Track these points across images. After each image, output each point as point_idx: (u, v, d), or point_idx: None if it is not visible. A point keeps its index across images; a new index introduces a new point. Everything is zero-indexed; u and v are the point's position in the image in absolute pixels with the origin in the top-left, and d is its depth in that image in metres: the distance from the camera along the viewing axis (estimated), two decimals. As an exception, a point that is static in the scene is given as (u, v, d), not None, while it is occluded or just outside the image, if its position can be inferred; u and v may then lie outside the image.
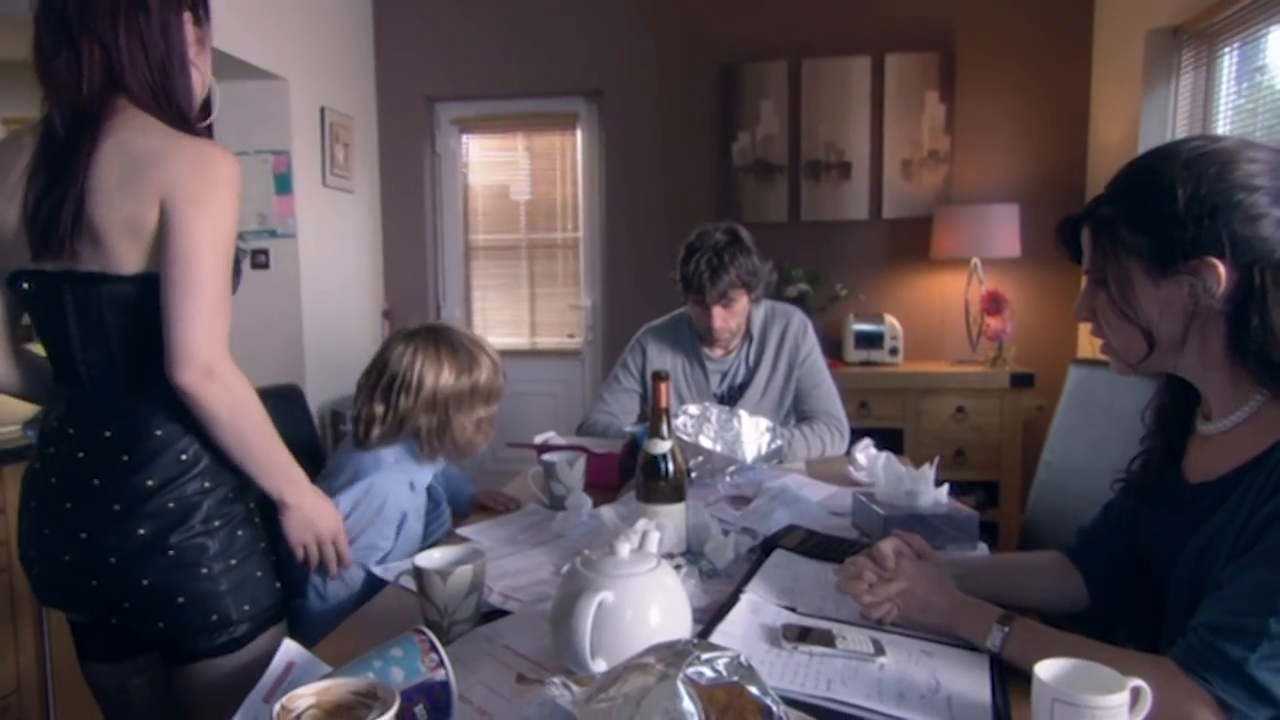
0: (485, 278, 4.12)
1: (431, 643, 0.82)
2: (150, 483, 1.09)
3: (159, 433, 1.11)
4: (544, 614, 0.92)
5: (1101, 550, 1.09)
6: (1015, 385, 3.15)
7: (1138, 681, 0.73)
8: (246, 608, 1.14)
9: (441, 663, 0.81)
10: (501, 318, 4.12)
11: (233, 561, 1.14)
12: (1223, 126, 2.72)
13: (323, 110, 3.46)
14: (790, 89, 3.60)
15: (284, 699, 0.68)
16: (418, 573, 1.00)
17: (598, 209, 3.91)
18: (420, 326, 1.47)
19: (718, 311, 1.92)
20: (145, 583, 1.09)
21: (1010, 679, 0.87)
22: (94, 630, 1.21)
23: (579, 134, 3.94)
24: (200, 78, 1.19)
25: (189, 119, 1.14)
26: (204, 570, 1.11)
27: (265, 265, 3.33)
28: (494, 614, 1.07)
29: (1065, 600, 1.10)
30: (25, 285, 1.11)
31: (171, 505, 1.10)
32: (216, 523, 1.13)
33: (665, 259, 2.06)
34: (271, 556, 1.21)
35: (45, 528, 1.13)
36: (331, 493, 1.31)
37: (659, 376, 1.25)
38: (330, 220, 3.57)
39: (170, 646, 1.15)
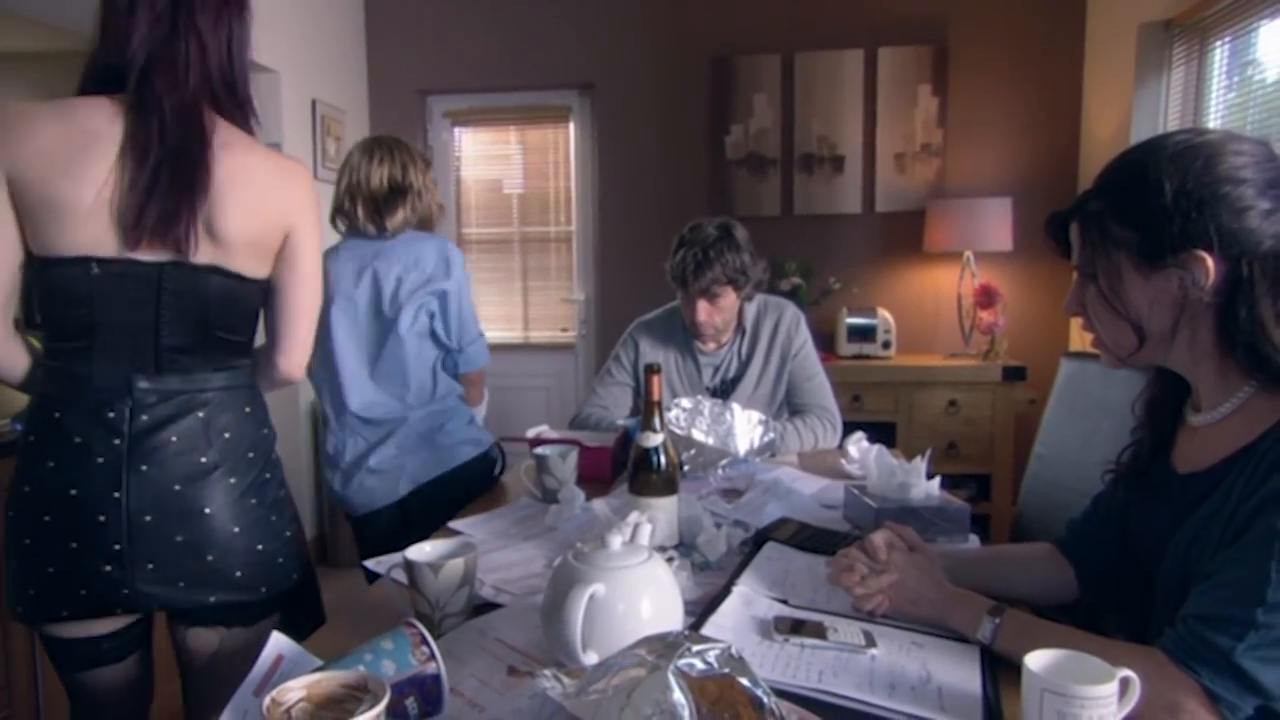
0: (478, 271, 4.10)
1: (423, 635, 0.82)
2: (252, 455, 1.22)
3: (248, 409, 1.24)
4: (536, 607, 0.92)
5: (1091, 542, 1.10)
6: (1007, 378, 3.16)
7: (1127, 672, 0.74)
8: (294, 576, 1.30)
9: (433, 655, 0.81)
10: (494, 311, 4.11)
11: (286, 533, 1.28)
12: (1214, 121, 2.72)
13: (314, 103, 3.44)
14: (783, 82, 3.60)
15: (274, 692, 0.68)
16: (409, 566, 1.00)
17: (590, 202, 3.91)
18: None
19: (701, 305, 1.92)
20: (260, 547, 1.21)
21: (1001, 670, 0.87)
22: (104, 636, 1.21)
23: (572, 127, 3.93)
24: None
25: (253, 116, 1.22)
26: (289, 534, 1.27)
27: (256, 259, 3.31)
28: (486, 607, 1.07)
29: (1055, 591, 1.11)
30: (95, 270, 1.11)
31: (269, 477, 1.25)
32: (270, 495, 1.26)
33: (659, 252, 2.06)
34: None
35: (147, 514, 1.13)
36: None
37: (651, 370, 1.25)
38: (322, 213, 3.55)
39: (212, 614, 1.22)
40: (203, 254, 1.14)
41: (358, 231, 1.81)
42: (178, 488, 1.14)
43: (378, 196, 1.78)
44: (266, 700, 0.67)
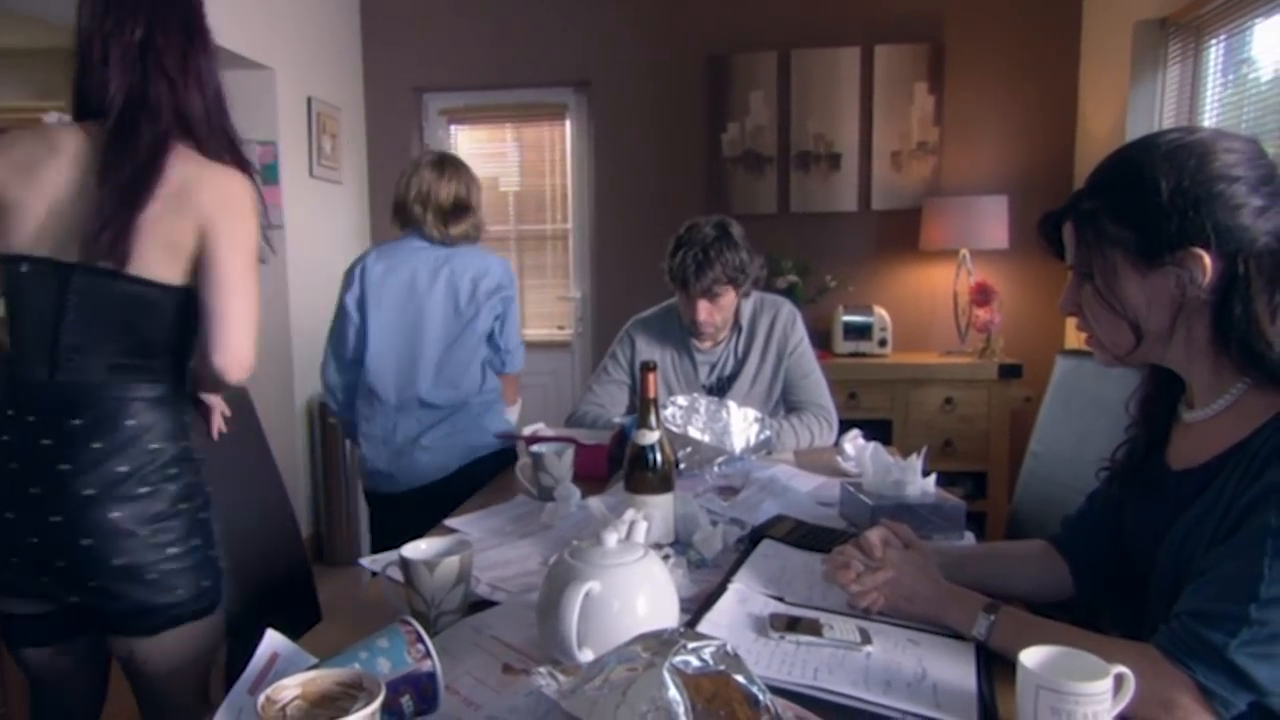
0: (474, 269, 4.10)
1: (418, 633, 0.82)
2: (122, 469, 1.17)
3: (130, 423, 1.19)
4: (532, 605, 0.92)
5: (1086, 538, 1.10)
6: (1003, 376, 3.17)
7: (1121, 668, 0.74)
8: (206, 584, 1.25)
9: (428, 653, 0.81)
10: (490, 309, 4.11)
11: (195, 543, 1.24)
12: (1209, 119, 2.73)
13: (309, 100, 3.44)
14: (780, 80, 3.59)
15: (269, 690, 0.68)
16: (404, 563, 1.00)
17: (587, 200, 3.90)
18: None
19: (702, 305, 1.92)
20: (117, 563, 1.17)
21: (996, 667, 0.87)
22: (33, 616, 1.25)
23: (568, 125, 3.92)
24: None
25: (241, 153, 1.29)
26: (171, 550, 1.21)
27: (252, 256, 3.31)
28: (482, 605, 1.06)
29: (1051, 588, 1.11)
30: (24, 268, 1.19)
31: (143, 491, 1.19)
32: (182, 506, 1.23)
33: (655, 250, 2.06)
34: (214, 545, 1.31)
35: (8, 511, 1.17)
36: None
37: (647, 367, 1.25)
38: (318, 211, 3.54)
39: (128, 620, 1.22)
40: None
41: (422, 235, 2.02)
42: (35, 490, 1.16)
43: (445, 208, 2.01)
44: (261, 698, 0.67)
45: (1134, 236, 0.89)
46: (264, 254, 1.30)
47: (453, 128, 4.04)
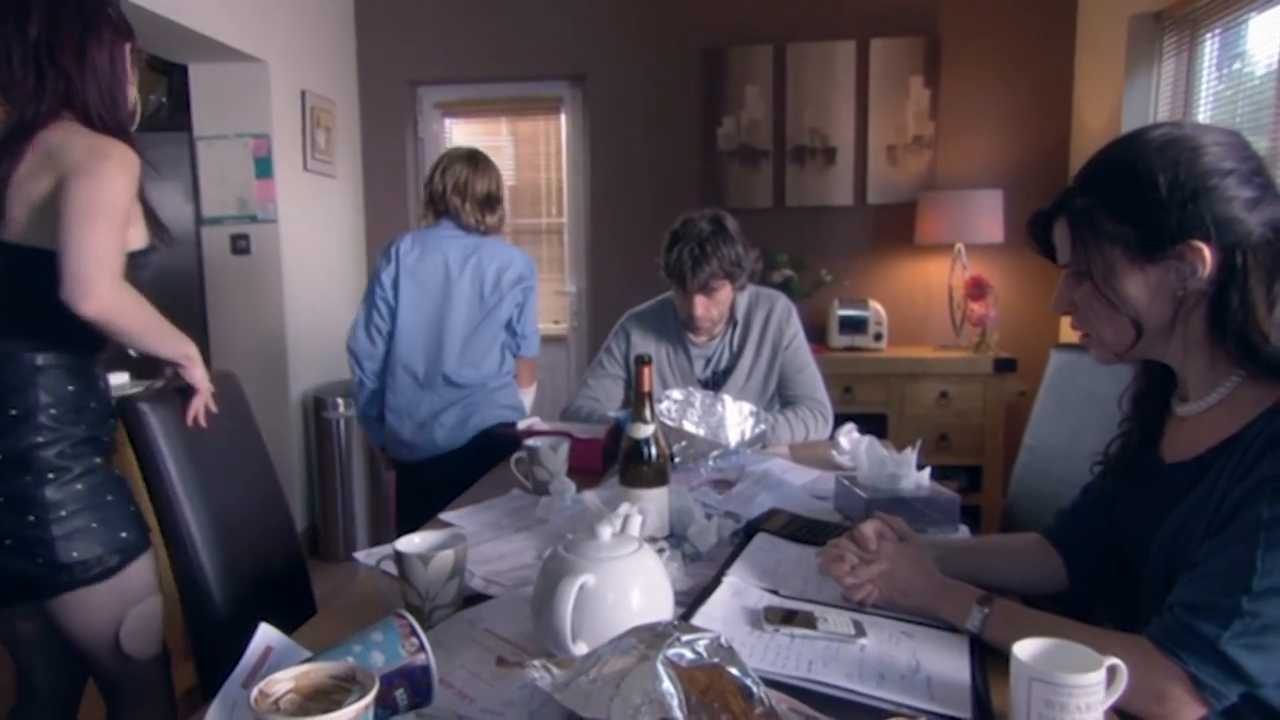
0: (469, 263, 4.09)
1: (412, 627, 0.82)
2: (45, 432, 1.26)
3: (55, 385, 1.28)
4: (526, 598, 0.92)
5: (1080, 531, 1.10)
6: (998, 370, 3.18)
7: (1114, 660, 0.74)
8: (75, 554, 1.28)
9: (422, 647, 0.80)
10: (486, 304, 4.10)
11: (62, 513, 1.28)
12: (1204, 113, 2.73)
13: (303, 94, 3.42)
14: (775, 73, 3.59)
15: (262, 684, 0.67)
16: (398, 557, 1.00)
17: (582, 194, 3.89)
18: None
19: (699, 300, 1.92)
20: (29, 518, 1.25)
21: (990, 659, 0.87)
22: None
23: (563, 118, 3.91)
24: (133, 94, 1.42)
25: (128, 130, 1.37)
26: (31, 518, 1.25)
27: (246, 251, 3.29)
28: (476, 598, 1.06)
29: (1044, 581, 1.11)
30: None
31: (1, 458, 1.25)
32: (50, 475, 1.27)
33: (651, 244, 2.05)
34: (123, 507, 1.36)
35: None
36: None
37: (642, 361, 1.25)
38: (312, 205, 3.53)
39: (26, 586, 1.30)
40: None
41: (459, 223, 2.17)
42: None
43: (480, 199, 2.17)
44: (254, 692, 0.66)
45: (1133, 232, 0.88)
46: (168, 237, 1.43)
47: (447, 121, 4.03)
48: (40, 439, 1.26)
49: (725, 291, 1.93)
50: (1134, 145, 0.90)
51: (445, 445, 2.17)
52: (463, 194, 2.16)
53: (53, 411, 1.28)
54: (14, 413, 1.25)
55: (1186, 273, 0.87)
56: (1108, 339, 0.95)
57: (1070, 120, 3.45)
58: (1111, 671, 0.74)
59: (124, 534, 1.34)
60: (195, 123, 3.25)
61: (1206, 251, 0.85)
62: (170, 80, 3.49)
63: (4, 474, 1.25)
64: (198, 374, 1.40)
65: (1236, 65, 2.60)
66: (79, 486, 1.29)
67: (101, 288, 1.21)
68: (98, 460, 1.33)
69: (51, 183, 1.25)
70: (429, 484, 2.07)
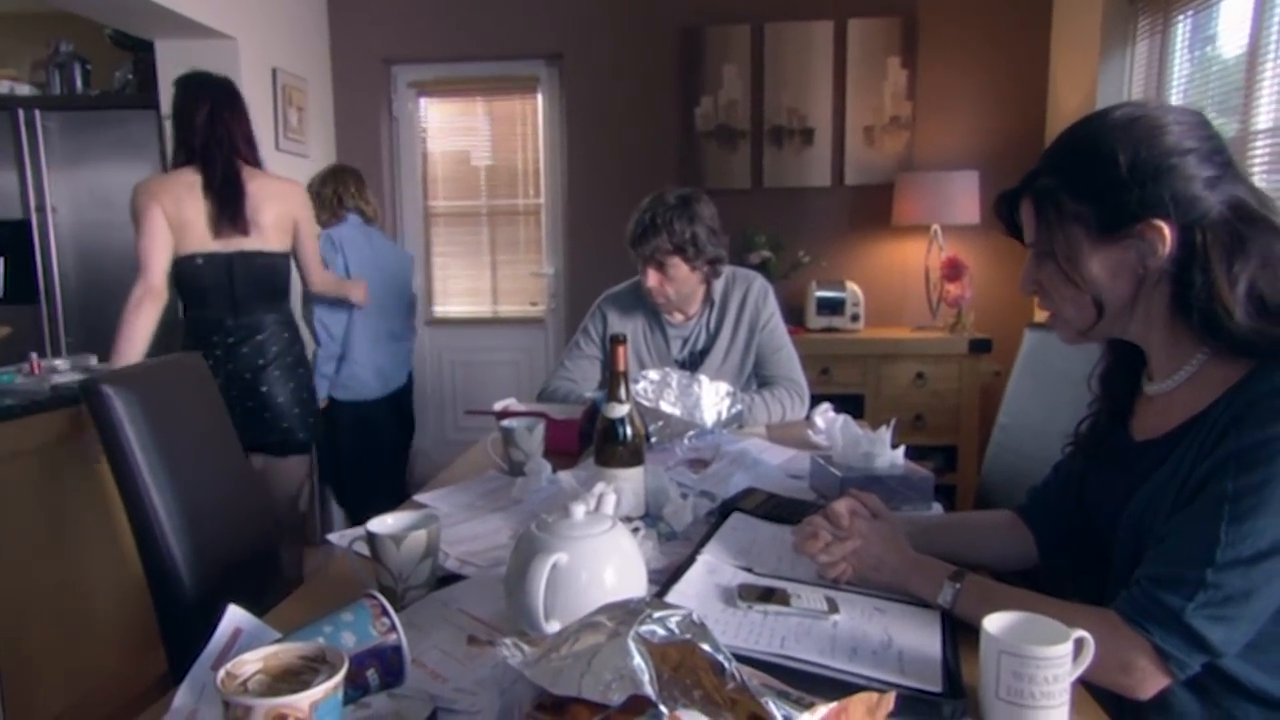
0: (445, 245, 4.05)
1: (383, 607, 0.81)
2: (290, 357, 2.29)
3: (286, 333, 2.30)
4: (500, 578, 0.91)
5: (1051, 508, 1.11)
6: (973, 351, 3.20)
7: (1081, 633, 0.75)
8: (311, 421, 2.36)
9: (393, 627, 0.80)
10: (462, 285, 4.07)
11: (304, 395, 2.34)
12: (1176, 94, 2.75)
13: (274, 72, 3.35)
14: (753, 53, 3.57)
15: (229, 665, 0.66)
16: (371, 538, 0.99)
17: (559, 175, 3.86)
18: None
19: (650, 272, 1.91)
20: (295, 410, 2.30)
21: (961, 634, 0.88)
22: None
23: (540, 98, 3.87)
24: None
25: (261, 160, 2.30)
26: (306, 395, 2.34)
27: (216, 232, 3.23)
28: (450, 579, 1.06)
29: (1016, 557, 1.13)
30: (200, 261, 2.15)
31: (290, 360, 2.28)
32: (301, 370, 2.34)
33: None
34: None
35: (233, 389, 2.17)
36: None
37: (616, 340, 1.24)
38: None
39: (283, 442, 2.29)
40: (252, 242, 2.19)
41: (365, 217, 2.94)
42: (247, 375, 2.20)
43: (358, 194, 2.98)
44: (221, 673, 0.65)
45: (1094, 211, 0.89)
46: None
47: (422, 100, 3.97)
48: (290, 359, 2.30)
49: (681, 270, 1.91)
50: (1096, 125, 0.91)
51: (397, 384, 3.01)
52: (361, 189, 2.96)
53: (297, 344, 2.34)
54: (287, 336, 2.31)
55: (1147, 251, 0.87)
56: (1071, 318, 0.96)
57: (1046, 101, 3.47)
58: (1079, 644, 0.75)
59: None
60: (163, 100, 3.16)
61: (1166, 230, 0.86)
62: (137, 57, 3.40)
63: (296, 370, 2.30)
64: (358, 293, 2.71)
65: (1208, 48, 2.62)
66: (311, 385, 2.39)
67: (321, 278, 2.50)
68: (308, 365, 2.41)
69: (290, 221, 2.29)
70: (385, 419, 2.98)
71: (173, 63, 3.14)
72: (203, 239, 2.11)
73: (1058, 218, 0.92)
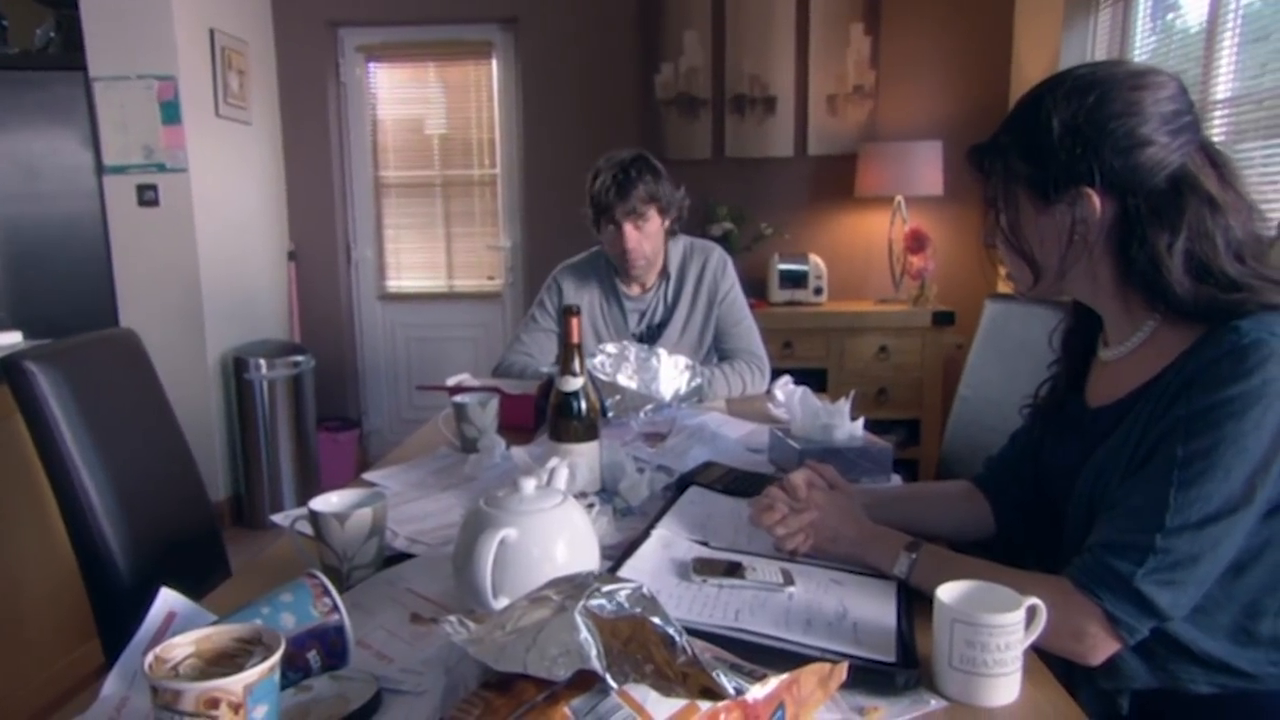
0: (398, 217, 3.95)
1: (324, 586, 0.78)
2: None
3: None
4: (449, 556, 0.88)
5: (1008, 477, 1.12)
6: (936, 323, 3.20)
7: (1033, 600, 0.75)
8: None
9: (336, 607, 0.77)
10: (416, 259, 3.97)
11: None
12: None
13: (212, 33, 3.21)
14: (714, 18, 3.51)
15: (158, 649, 0.63)
16: (313, 517, 0.95)
17: (516, 144, 3.78)
18: None
19: (630, 231, 1.86)
20: None
21: (918, 604, 0.88)
22: None
23: (494, 64, 3.77)
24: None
25: None
26: None
27: (155, 202, 3.10)
28: (399, 558, 1.03)
29: (973, 527, 1.13)
30: None
31: None
32: None
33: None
34: None
35: None
36: None
37: (570, 311, 1.21)
38: (225, 154, 3.34)
39: None
40: None
41: None
42: None
43: None
44: (150, 657, 0.61)
45: (1032, 173, 0.89)
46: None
47: (371, 66, 3.84)
48: None
49: (655, 224, 1.89)
50: (1052, 86, 0.90)
51: None
52: None
53: None
54: None
55: (1078, 218, 0.87)
56: (1015, 276, 0.97)
57: (1010, 71, 3.47)
58: (1031, 611, 0.74)
59: None
60: (90, 61, 3.01)
61: (1095, 198, 0.85)
62: (60, 14, 3.20)
63: None
64: None
65: (1170, 16, 2.64)
66: None
67: None
68: None
69: None
70: None
71: (100, 21, 2.98)
72: None
73: (1005, 176, 0.92)
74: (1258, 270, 0.84)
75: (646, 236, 1.89)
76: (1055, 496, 1.01)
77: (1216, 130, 2.34)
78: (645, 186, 1.83)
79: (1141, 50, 2.76)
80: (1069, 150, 0.85)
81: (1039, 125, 0.87)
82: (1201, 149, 0.86)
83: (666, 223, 1.93)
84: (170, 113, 3.02)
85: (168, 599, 0.82)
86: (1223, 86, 2.34)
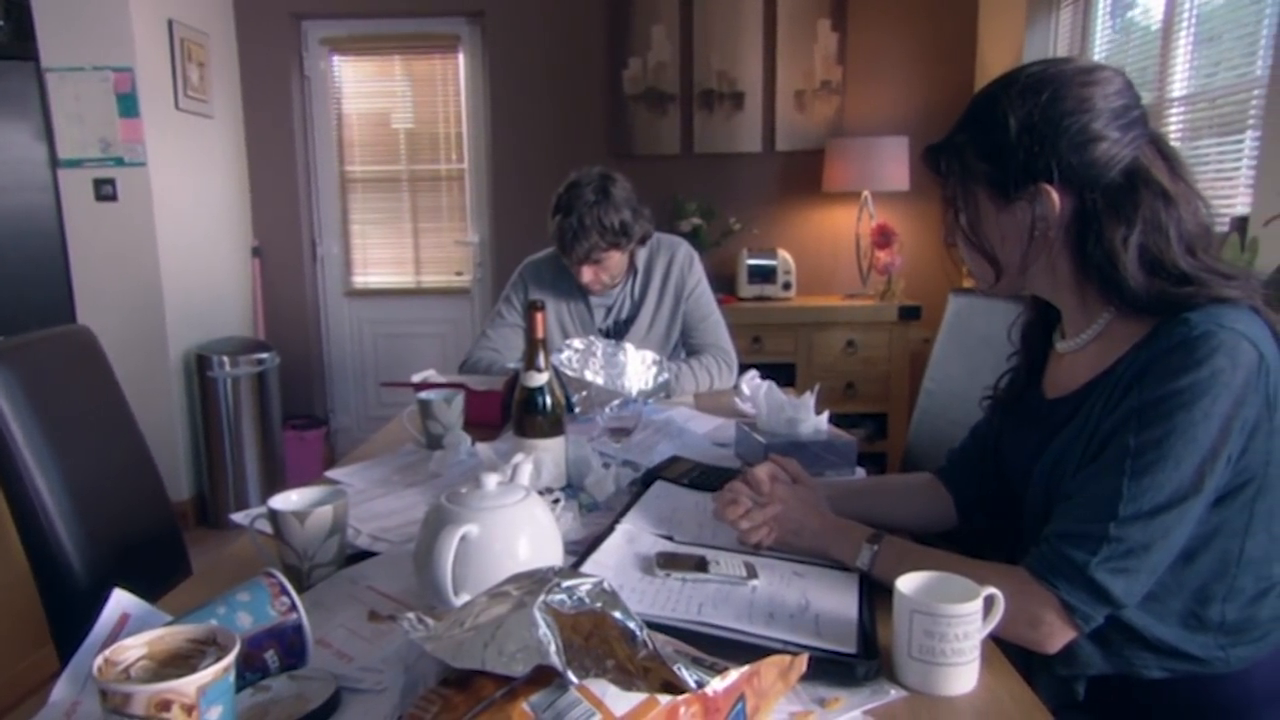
0: (364, 212, 3.90)
1: (282, 585, 0.77)
2: None
3: None
4: (411, 553, 0.87)
5: (969, 470, 1.13)
6: (903, 318, 3.23)
7: (991, 590, 0.76)
8: None
9: (294, 606, 0.76)
10: (383, 255, 3.93)
11: None
12: (1097, 59, 2.83)
13: (170, 23, 3.14)
14: (682, 13, 3.51)
15: (108, 651, 0.61)
16: (273, 515, 0.94)
17: (483, 139, 3.75)
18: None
19: (585, 270, 1.89)
20: None
21: (878, 595, 0.88)
22: None
23: (461, 58, 3.73)
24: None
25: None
26: None
27: (112, 197, 3.03)
28: (362, 556, 1.01)
29: (935, 519, 1.14)
30: None
31: None
32: None
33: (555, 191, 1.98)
34: None
35: None
36: None
37: (534, 306, 1.20)
38: (186, 147, 3.27)
39: None
40: None
41: None
42: None
43: None
44: (99, 660, 0.60)
45: (991, 171, 0.90)
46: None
47: (335, 59, 3.78)
48: None
49: (614, 258, 1.90)
50: (1001, 85, 0.91)
51: None
52: None
53: None
54: None
55: (1038, 215, 0.88)
56: (976, 273, 0.98)
57: (974, 67, 3.51)
58: (989, 601, 0.76)
59: None
60: (42, 51, 2.92)
61: (1054, 195, 0.87)
62: (10, 3, 3.11)
63: None
64: None
65: (1128, 13, 2.69)
66: None
67: None
68: None
69: None
70: None
71: (52, 10, 2.90)
72: None
73: (963, 175, 0.93)
74: (1207, 264, 0.86)
75: (604, 269, 1.91)
76: (1014, 487, 1.03)
77: (1173, 128, 2.39)
78: (600, 235, 1.82)
79: (1101, 47, 2.81)
80: (1027, 148, 0.86)
81: (996, 124, 0.88)
82: (1151, 142, 0.88)
83: (630, 247, 1.92)
84: (128, 105, 2.94)
85: (121, 601, 0.80)
86: (1179, 85, 2.39)
